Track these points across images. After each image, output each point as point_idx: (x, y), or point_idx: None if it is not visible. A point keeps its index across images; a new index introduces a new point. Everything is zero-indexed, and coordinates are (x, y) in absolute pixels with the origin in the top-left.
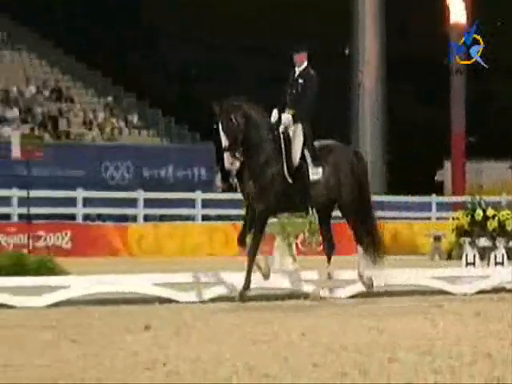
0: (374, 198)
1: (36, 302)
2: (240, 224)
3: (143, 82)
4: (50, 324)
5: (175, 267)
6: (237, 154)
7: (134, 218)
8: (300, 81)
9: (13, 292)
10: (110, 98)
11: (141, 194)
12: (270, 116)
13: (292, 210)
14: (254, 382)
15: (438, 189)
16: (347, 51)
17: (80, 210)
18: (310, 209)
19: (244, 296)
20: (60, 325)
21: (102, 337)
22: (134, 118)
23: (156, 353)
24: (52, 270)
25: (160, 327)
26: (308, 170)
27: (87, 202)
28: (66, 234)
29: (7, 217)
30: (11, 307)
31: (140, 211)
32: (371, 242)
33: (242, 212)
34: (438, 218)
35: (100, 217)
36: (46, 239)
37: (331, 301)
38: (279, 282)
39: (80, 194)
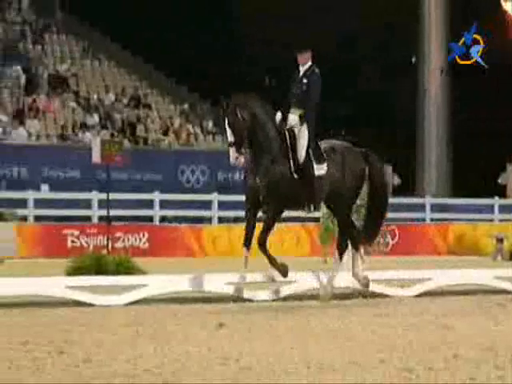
0: (441, 200)
1: (115, 301)
2: (309, 225)
3: (218, 90)
4: (128, 321)
5: (248, 267)
6: (242, 150)
7: (208, 220)
8: (304, 80)
9: (93, 291)
10: (185, 105)
11: (215, 197)
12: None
13: (298, 205)
14: (322, 376)
15: (501, 191)
16: (414, 60)
17: (157, 212)
18: (316, 205)
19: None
20: (138, 322)
21: (178, 334)
22: (209, 125)
23: (229, 349)
24: (130, 270)
25: (233, 325)
26: (313, 167)
27: (164, 204)
28: (144, 236)
29: (88, 219)
30: (91, 305)
31: (214, 213)
32: (370, 233)
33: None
34: (500, 220)
35: (176, 219)
36: (124, 240)
37: (398, 299)
38: (347, 281)
39: (157, 196)
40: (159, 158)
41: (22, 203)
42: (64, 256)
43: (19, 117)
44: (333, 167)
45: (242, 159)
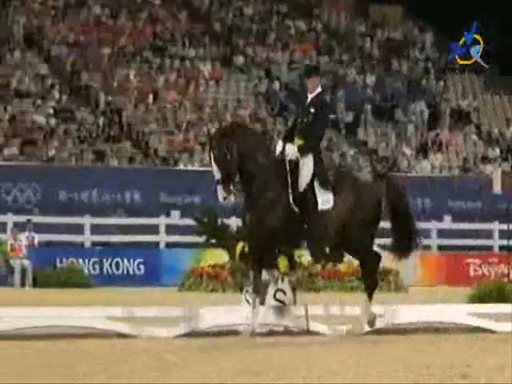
0: None
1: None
2: None
3: None
4: None
5: None
6: (231, 187)
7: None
8: (311, 110)
9: (496, 319)
10: None
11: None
12: (271, 144)
13: (294, 243)
14: None
15: None
16: None
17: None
18: (321, 244)
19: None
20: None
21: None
22: None
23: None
24: None
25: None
26: (316, 199)
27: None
28: None
29: (489, 248)
30: (493, 332)
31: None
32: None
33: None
34: None
35: None
36: None
37: None
38: None
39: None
40: None
41: (426, 233)
42: (465, 284)
43: (423, 150)
44: (342, 199)
45: (231, 198)
